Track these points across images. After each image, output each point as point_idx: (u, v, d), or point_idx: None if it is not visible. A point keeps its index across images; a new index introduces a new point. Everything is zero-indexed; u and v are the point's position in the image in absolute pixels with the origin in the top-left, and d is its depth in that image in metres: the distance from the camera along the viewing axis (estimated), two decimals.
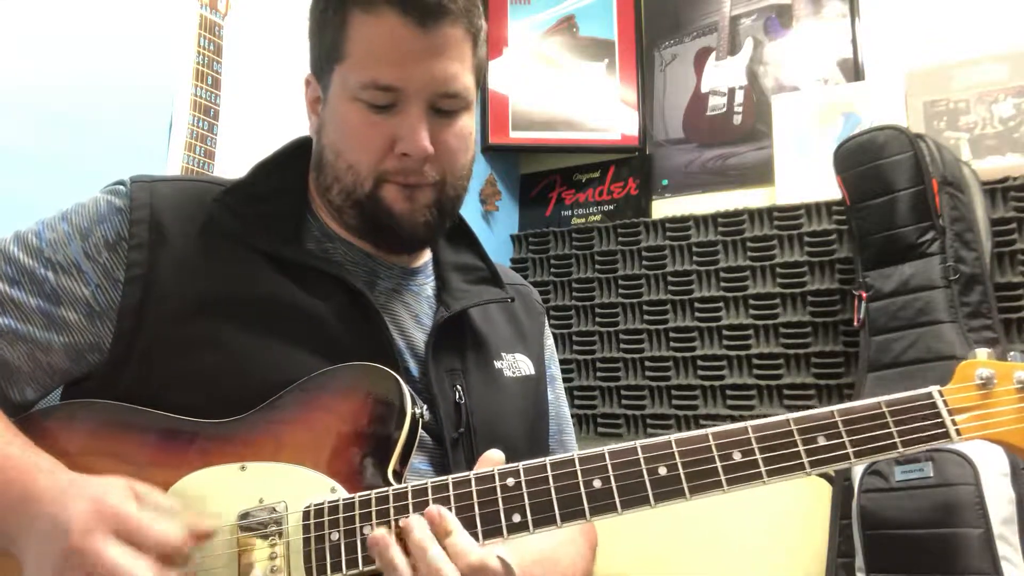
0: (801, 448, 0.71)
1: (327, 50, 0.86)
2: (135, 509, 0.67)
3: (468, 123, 0.89)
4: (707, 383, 2.19)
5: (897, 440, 0.70)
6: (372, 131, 0.84)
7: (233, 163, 1.68)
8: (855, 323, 1.81)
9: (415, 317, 0.93)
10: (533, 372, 1.01)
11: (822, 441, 0.71)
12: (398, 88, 0.82)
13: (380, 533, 0.70)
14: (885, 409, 0.72)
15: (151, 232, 0.83)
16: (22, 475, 0.71)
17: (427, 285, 0.98)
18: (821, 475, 1.89)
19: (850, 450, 0.70)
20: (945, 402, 0.71)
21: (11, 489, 0.71)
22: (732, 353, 2.17)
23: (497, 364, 0.96)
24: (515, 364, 0.99)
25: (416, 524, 0.70)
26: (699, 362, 2.21)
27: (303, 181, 0.95)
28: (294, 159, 0.95)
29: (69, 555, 0.65)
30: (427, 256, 1.00)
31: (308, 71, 0.93)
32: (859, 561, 1.58)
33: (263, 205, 0.89)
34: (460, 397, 0.89)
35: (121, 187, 0.87)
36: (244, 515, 0.74)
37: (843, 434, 0.71)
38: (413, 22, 0.81)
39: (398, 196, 0.86)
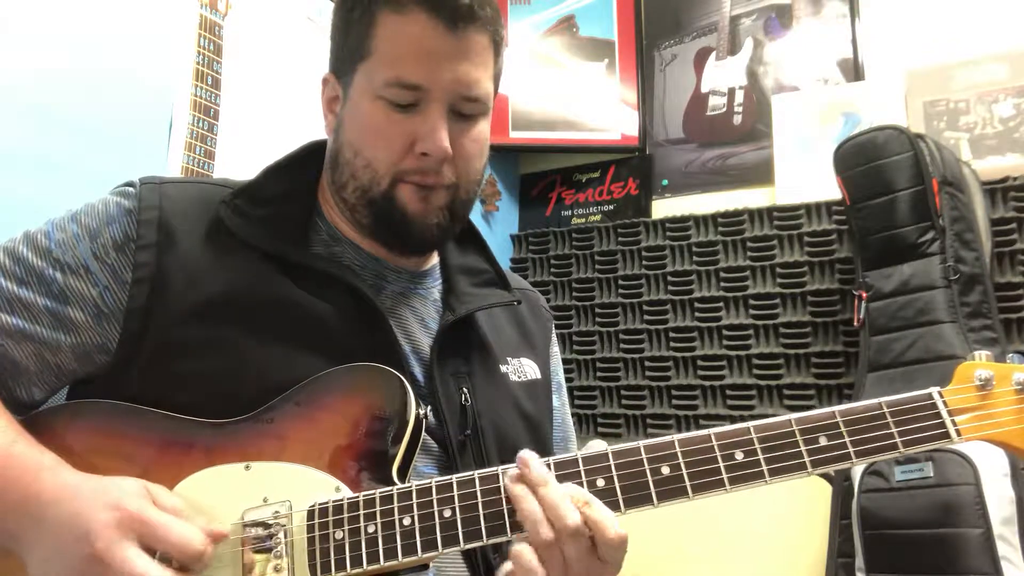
0: (803, 448, 0.71)
1: (351, 48, 0.87)
2: (155, 514, 0.68)
3: (485, 129, 0.90)
4: (707, 383, 2.20)
5: (898, 440, 0.71)
6: (393, 129, 0.84)
7: (233, 163, 1.68)
8: (855, 323, 1.82)
9: (421, 321, 0.93)
10: (539, 376, 1.01)
11: (824, 441, 0.71)
12: (423, 87, 0.83)
13: (518, 485, 0.71)
14: (886, 410, 0.72)
15: (159, 233, 0.83)
16: (25, 474, 0.71)
17: (434, 288, 0.97)
18: (821, 475, 1.89)
19: (851, 450, 0.71)
20: (945, 403, 0.72)
21: (15, 487, 0.71)
22: (732, 353, 2.17)
23: (503, 368, 0.96)
24: (521, 368, 0.99)
25: (551, 481, 0.71)
26: (699, 362, 2.22)
27: (313, 184, 0.95)
28: (305, 163, 0.95)
29: (92, 562, 0.65)
30: (435, 259, 1.00)
31: (327, 71, 0.93)
32: (859, 561, 1.59)
33: (271, 207, 0.89)
34: (466, 399, 0.89)
35: (130, 188, 0.87)
36: (248, 514, 0.74)
37: (844, 434, 0.71)
38: (443, 24, 0.82)
39: (413, 196, 0.86)
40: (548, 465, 0.73)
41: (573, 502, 0.70)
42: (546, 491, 0.70)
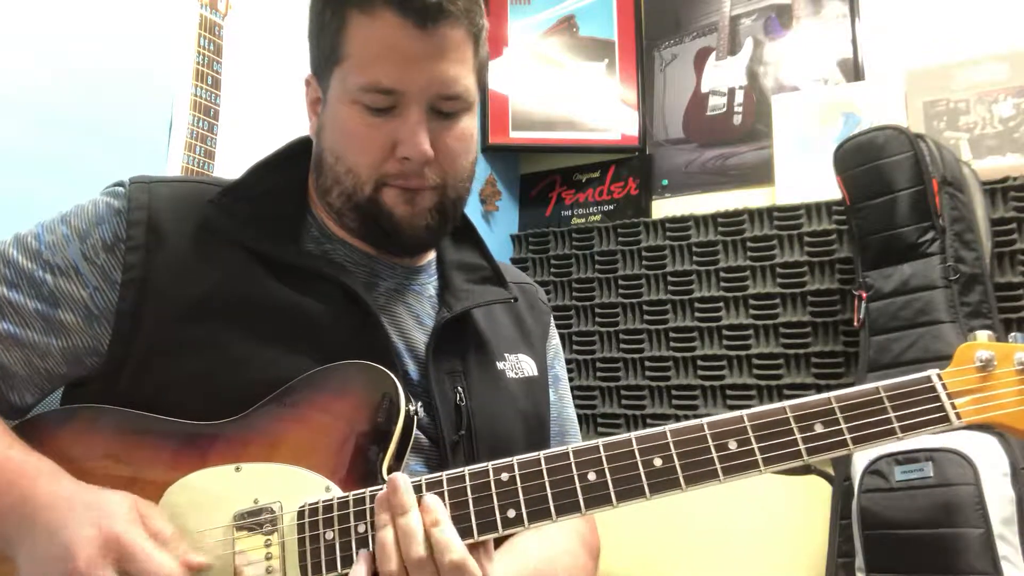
0: (798, 436, 0.70)
1: (326, 52, 0.85)
2: (139, 539, 0.67)
3: (469, 125, 0.87)
4: (707, 383, 2.19)
5: (896, 426, 0.69)
6: (372, 134, 0.83)
7: (233, 163, 1.68)
8: (855, 323, 1.81)
9: (416, 318, 0.92)
10: (536, 373, 1.00)
11: (819, 428, 0.70)
12: (398, 91, 0.81)
13: (384, 511, 0.70)
14: (883, 394, 0.70)
15: (148, 234, 0.83)
16: (22, 478, 0.72)
17: (430, 284, 0.96)
18: (821, 475, 1.88)
19: (848, 436, 0.69)
20: (944, 385, 0.70)
21: (12, 491, 0.71)
22: (732, 353, 2.17)
23: (499, 365, 0.95)
24: (518, 365, 0.98)
25: (412, 509, 0.69)
26: (699, 362, 2.21)
27: (302, 181, 0.94)
28: (293, 159, 0.94)
29: None
30: (431, 255, 0.99)
31: (309, 71, 0.91)
32: (859, 561, 1.58)
33: (260, 206, 0.88)
34: (461, 399, 0.88)
35: (120, 188, 0.86)
36: (239, 516, 0.74)
37: (840, 421, 0.70)
38: (412, 23, 0.79)
39: (399, 200, 0.85)
40: (539, 459, 0.72)
41: (424, 521, 0.68)
42: (404, 520, 0.68)
